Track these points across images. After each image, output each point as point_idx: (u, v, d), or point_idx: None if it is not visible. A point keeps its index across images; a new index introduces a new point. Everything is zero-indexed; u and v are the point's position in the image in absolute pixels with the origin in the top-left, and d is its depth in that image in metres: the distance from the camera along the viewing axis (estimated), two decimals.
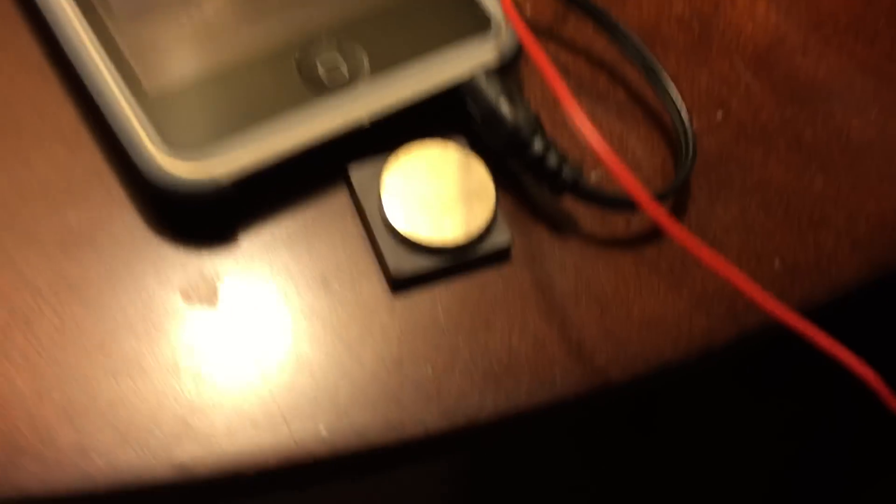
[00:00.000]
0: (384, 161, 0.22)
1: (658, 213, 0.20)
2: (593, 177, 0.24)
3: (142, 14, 0.22)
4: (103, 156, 0.22)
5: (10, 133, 0.22)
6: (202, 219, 0.22)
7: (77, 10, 0.22)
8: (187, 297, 0.21)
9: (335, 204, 0.23)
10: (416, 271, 0.22)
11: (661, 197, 0.23)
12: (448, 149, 0.23)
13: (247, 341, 0.21)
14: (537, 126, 0.22)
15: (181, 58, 0.22)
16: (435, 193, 0.22)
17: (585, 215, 0.24)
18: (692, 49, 0.27)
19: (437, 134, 0.23)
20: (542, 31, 0.27)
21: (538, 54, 0.21)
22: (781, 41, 0.28)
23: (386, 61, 0.22)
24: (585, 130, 0.20)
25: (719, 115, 0.26)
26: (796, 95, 0.27)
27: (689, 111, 0.25)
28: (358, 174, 0.22)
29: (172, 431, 0.20)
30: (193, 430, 0.20)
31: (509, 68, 0.23)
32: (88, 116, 0.23)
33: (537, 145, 0.22)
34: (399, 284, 0.22)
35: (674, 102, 0.24)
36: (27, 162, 0.22)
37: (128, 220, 0.22)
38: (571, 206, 0.24)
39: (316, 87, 0.22)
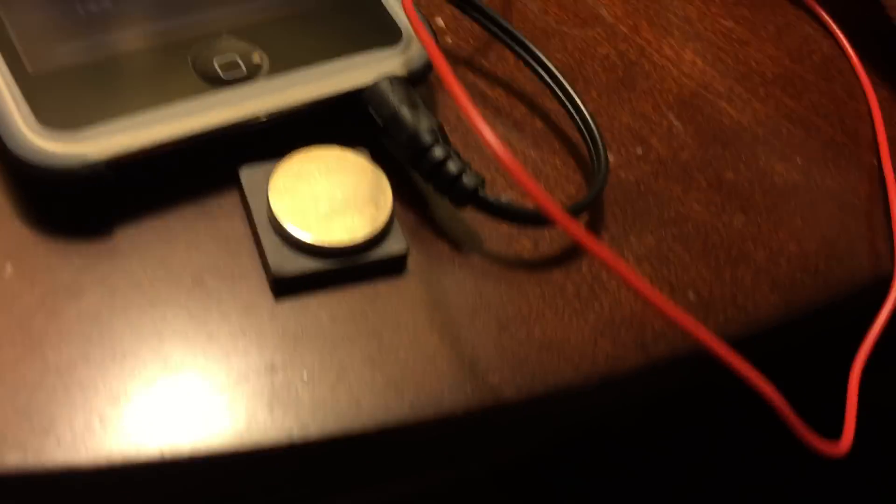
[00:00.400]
0: (277, 163, 0.21)
1: (570, 224, 0.19)
2: (504, 199, 0.23)
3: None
4: None
5: None
6: (78, 208, 0.21)
7: None
8: (49, 287, 0.20)
9: (224, 205, 0.22)
10: (299, 271, 0.20)
11: (572, 210, 0.22)
12: (346, 154, 0.22)
13: (107, 337, 0.19)
14: (438, 134, 0.21)
15: (70, 42, 0.21)
16: (328, 196, 0.21)
17: (491, 234, 0.23)
18: (615, 88, 0.27)
19: (339, 141, 0.22)
20: (462, 60, 0.26)
21: (442, 65, 0.20)
22: (706, 88, 0.27)
23: (288, 62, 0.22)
24: (488, 138, 0.19)
25: (639, 150, 0.25)
26: (719, 138, 0.26)
27: (606, 141, 0.24)
28: (248, 173, 0.21)
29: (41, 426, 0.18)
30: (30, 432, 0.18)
31: (417, 81, 0.23)
32: None
33: (437, 152, 0.21)
34: (282, 286, 0.20)
35: (587, 125, 0.24)
36: None
37: None
38: (478, 223, 0.23)
39: (210, 81, 0.21)
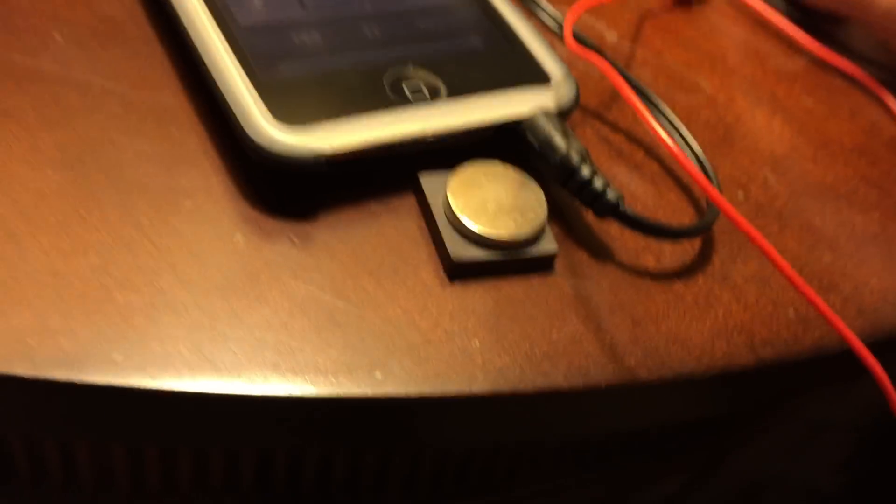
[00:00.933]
0: (452, 171, 0.26)
1: (725, 206, 0.23)
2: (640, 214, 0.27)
3: (259, 28, 0.26)
4: (210, 138, 0.26)
5: (133, 111, 0.26)
6: (290, 194, 0.25)
7: (209, 15, 0.26)
8: (268, 259, 0.24)
9: (404, 207, 0.26)
10: (473, 258, 0.24)
11: (705, 223, 0.26)
12: (507, 168, 0.26)
13: (315, 301, 0.23)
14: (586, 157, 0.26)
15: (290, 56, 0.26)
16: (494, 199, 0.25)
17: (622, 248, 0.26)
18: (717, 145, 0.31)
19: (501, 159, 0.26)
20: (591, 112, 0.31)
21: (615, 78, 0.25)
22: (794, 150, 0.32)
23: (461, 90, 0.26)
24: (658, 133, 0.24)
25: (740, 195, 0.29)
26: (808, 192, 0.30)
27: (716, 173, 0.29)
28: (427, 178, 0.26)
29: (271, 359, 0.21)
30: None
31: (565, 115, 0.27)
32: (201, 107, 0.26)
33: (585, 171, 0.25)
34: (457, 270, 0.24)
35: (703, 165, 0.28)
36: (143, 134, 0.25)
37: (225, 188, 0.25)
38: (612, 238, 0.27)
39: (401, 99, 0.25)
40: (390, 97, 0.26)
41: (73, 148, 0.24)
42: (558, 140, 0.26)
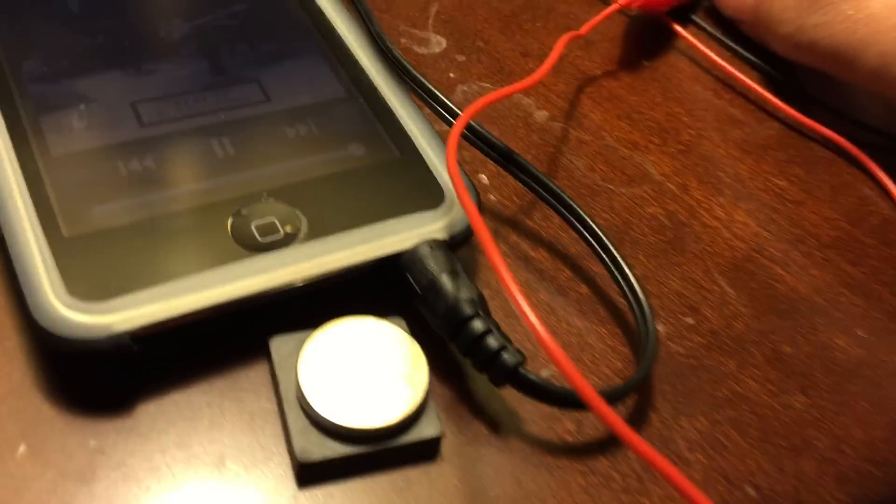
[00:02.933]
0: (310, 333, 0.20)
1: (607, 413, 0.18)
2: (545, 374, 0.22)
3: (76, 157, 0.21)
4: (4, 305, 0.21)
5: None
6: (99, 382, 0.20)
7: (10, 143, 0.21)
8: (62, 470, 0.18)
9: (252, 378, 0.20)
10: (324, 457, 0.19)
11: (613, 396, 0.20)
12: (382, 325, 0.21)
13: None
14: (479, 306, 0.20)
15: (108, 203, 0.21)
16: (359, 373, 0.20)
17: (532, 414, 0.21)
18: (663, 251, 0.25)
19: (375, 310, 0.21)
20: (505, 219, 0.25)
21: (483, 234, 0.19)
22: (759, 251, 0.26)
23: (326, 226, 0.21)
24: (525, 315, 0.18)
25: (690, 319, 0.24)
26: (775, 307, 0.25)
27: (654, 309, 0.23)
28: (279, 344, 0.20)
29: None
30: None
31: (458, 245, 0.22)
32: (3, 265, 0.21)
33: (477, 325, 0.20)
34: (306, 473, 0.19)
35: (636, 296, 0.22)
36: None
37: (15, 377, 0.19)
38: (517, 401, 0.21)
39: (246, 246, 0.20)
40: (233, 246, 0.20)
41: None
42: (444, 282, 0.20)
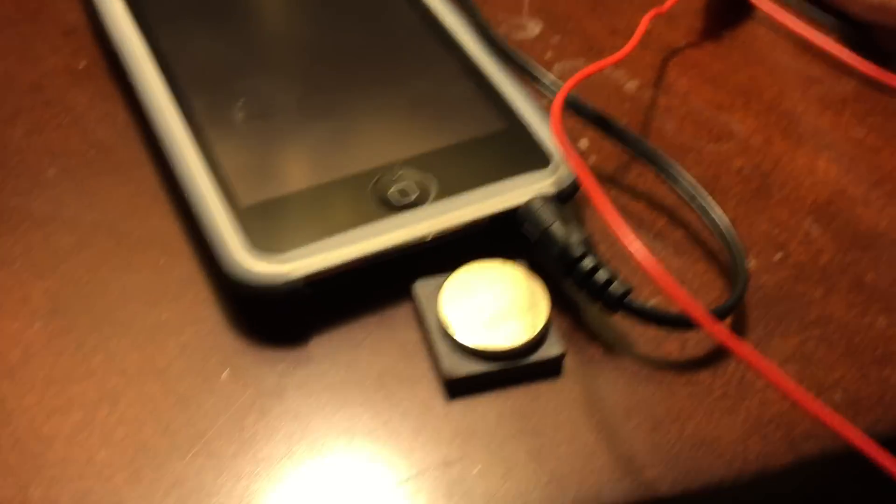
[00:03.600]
0: (448, 276, 0.24)
1: (715, 328, 0.21)
2: (650, 305, 0.25)
3: (243, 139, 0.26)
4: (198, 263, 0.25)
5: (121, 243, 0.26)
6: (280, 320, 0.24)
7: (189, 134, 0.25)
8: (258, 389, 0.23)
9: (399, 315, 0.24)
10: (467, 373, 0.23)
11: (719, 313, 0.24)
12: (507, 266, 0.24)
13: (307, 435, 0.22)
14: (588, 247, 0.24)
15: (272, 176, 0.25)
16: (492, 305, 0.23)
17: (640, 337, 0.24)
18: (751, 198, 0.28)
19: (502, 254, 0.25)
20: (605, 177, 0.29)
21: (590, 184, 0.23)
22: (841, 193, 0.29)
23: (451, 188, 0.25)
24: (634, 250, 0.22)
25: (778, 256, 0.27)
26: (857, 242, 0.27)
27: (745, 248, 0.26)
28: (422, 287, 0.24)
29: None
30: None
31: (565, 199, 0.25)
32: (190, 230, 0.26)
33: (587, 262, 0.23)
34: (453, 387, 0.23)
35: (727, 236, 0.25)
36: (131, 267, 0.25)
37: (213, 319, 0.24)
38: (627, 327, 0.24)
39: (386, 207, 0.24)
40: (375, 207, 0.24)
41: (62, 294, 0.24)
42: (556, 229, 0.24)
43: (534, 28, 0.34)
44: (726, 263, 0.26)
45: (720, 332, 0.21)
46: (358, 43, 0.29)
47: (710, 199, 0.26)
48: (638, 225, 0.27)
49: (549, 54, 0.33)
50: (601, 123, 0.28)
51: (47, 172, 0.27)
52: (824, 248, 0.27)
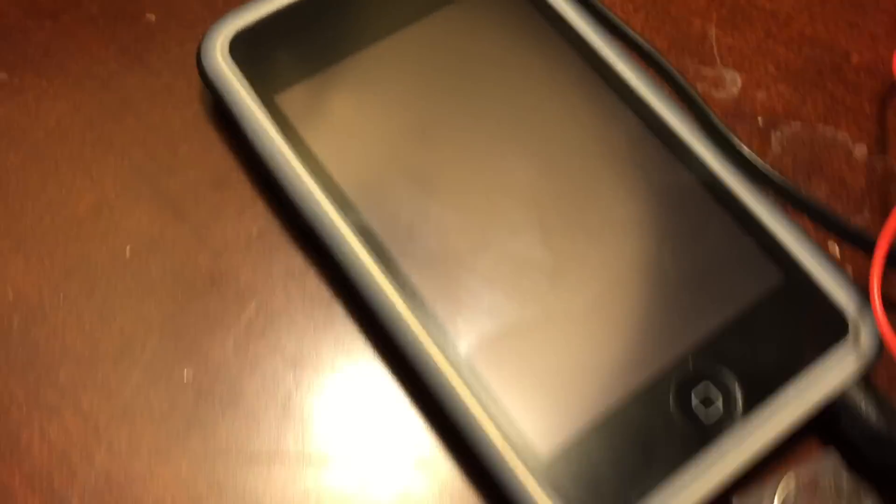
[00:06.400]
0: (769, 491, 0.22)
1: None
2: None
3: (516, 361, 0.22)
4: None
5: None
6: None
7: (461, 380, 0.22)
8: None
9: None
10: None
11: None
12: (841, 472, 0.22)
13: None
14: None
15: (565, 406, 0.21)
16: None
17: None
18: None
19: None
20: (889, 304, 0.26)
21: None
22: None
23: (754, 389, 0.22)
24: None
25: None
26: None
27: None
28: (742, 501, 0.22)
29: None
30: None
31: (870, 368, 0.23)
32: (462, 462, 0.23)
33: None
34: None
35: None
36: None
37: None
38: None
39: (694, 425, 0.21)
40: (683, 428, 0.21)
41: None
42: (882, 427, 0.22)
43: (733, 81, 0.29)
44: None
45: None
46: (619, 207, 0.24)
47: None
48: None
49: (760, 119, 0.28)
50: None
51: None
52: None
